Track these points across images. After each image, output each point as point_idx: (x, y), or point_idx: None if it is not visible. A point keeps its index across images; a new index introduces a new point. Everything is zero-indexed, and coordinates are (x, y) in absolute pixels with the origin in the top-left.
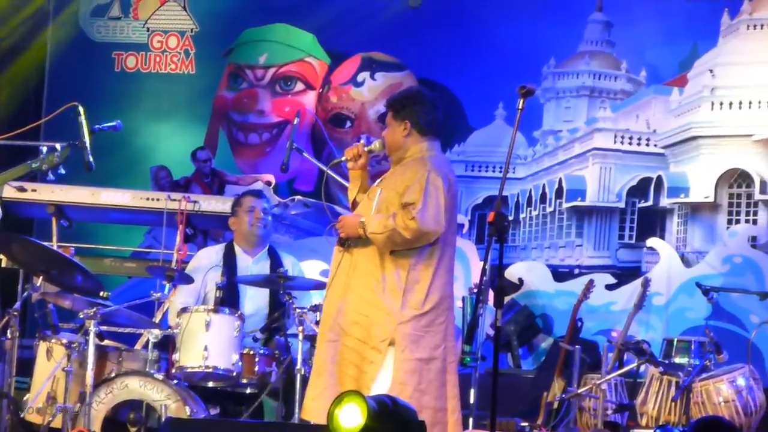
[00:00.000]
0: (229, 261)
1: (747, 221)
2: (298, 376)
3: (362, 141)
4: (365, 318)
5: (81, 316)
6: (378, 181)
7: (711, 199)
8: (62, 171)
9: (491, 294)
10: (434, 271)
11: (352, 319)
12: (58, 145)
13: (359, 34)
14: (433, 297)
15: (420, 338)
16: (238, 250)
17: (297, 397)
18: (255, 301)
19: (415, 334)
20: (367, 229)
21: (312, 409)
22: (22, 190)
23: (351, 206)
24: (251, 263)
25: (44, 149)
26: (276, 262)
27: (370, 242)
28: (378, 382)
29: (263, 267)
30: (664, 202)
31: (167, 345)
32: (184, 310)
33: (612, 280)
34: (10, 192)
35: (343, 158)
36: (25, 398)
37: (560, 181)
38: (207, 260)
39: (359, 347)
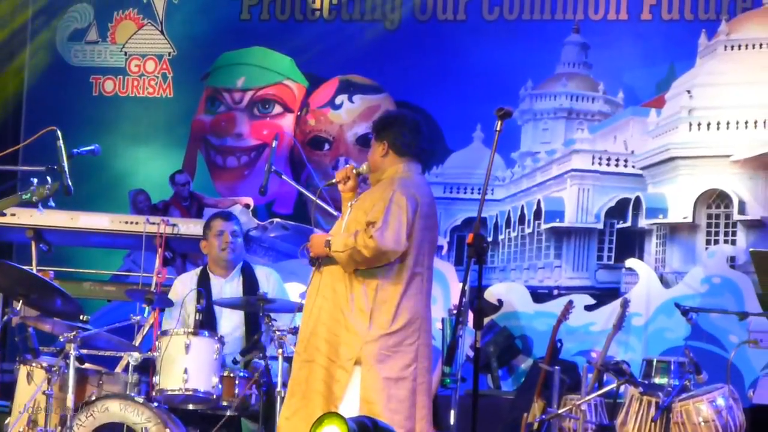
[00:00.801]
0: (204, 285)
1: (726, 242)
2: (278, 399)
3: (352, 164)
4: (335, 337)
5: (61, 340)
6: (353, 201)
7: (689, 219)
8: (52, 204)
9: (470, 315)
10: (403, 291)
11: (324, 337)
12: (48, 178)
13: (337, 57)
14: (402, 317)
15: (387, 358)
16: (211, 275)
17: (277, 419)
18: (231, 321)
19: (382, 354)
20: (331, 248)
21: (285, 428)
22: (1, 214)
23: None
24: (224, 284)
25: (35, 181)
26: (249, 278)
27: (331, 258)
28: (345, 401)
29: (237, 285)
30: (643, 222)
31: (147, 368)
32: (164, 333)
33: (591, 301)
34: None
35: (333, 180)
36: (6, 422)
37: (539, 202)
38: (183, 288)
39: (329, 366)
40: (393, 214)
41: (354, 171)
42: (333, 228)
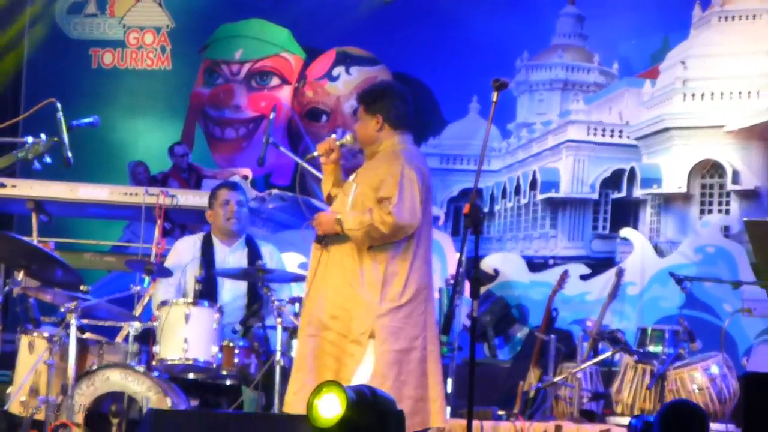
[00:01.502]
0: (207, 252)
1: (720, 211)
2: (278, 368)
3: (333, 135)
4: (345, 312)
5: (62, 310)
6: (353, 175)
7: (684, 189)
8: (48, 159)
9: (467, 285)
10: (411, 263)
11: (332, 313)
12: (43, 136)
13: (334, 29)
14: (410, 289)
15: (399, 330)
16: (215, 240)
17: (276, 387)
18: (232, 291)
19: (394, 326)
20: (344, 226)
21: (293, 403)
22: (1, 186)
23: (326, 200)
24: (228, 253)
25: (29, 139)
26: (254, 251)
27: (347, 238)
28: (358, 375)
29: (241, 257)
30: (638, 193)
31: (147, 338)
32: (164, 303)
33: (586, 271)
34: None
35: (315, 153)
36: (7, 391)
37: (534, 173)
38: (185, 252)
39: (339, 341)
40: (406, 189)
41: (337, 143)
42: (335, 203)
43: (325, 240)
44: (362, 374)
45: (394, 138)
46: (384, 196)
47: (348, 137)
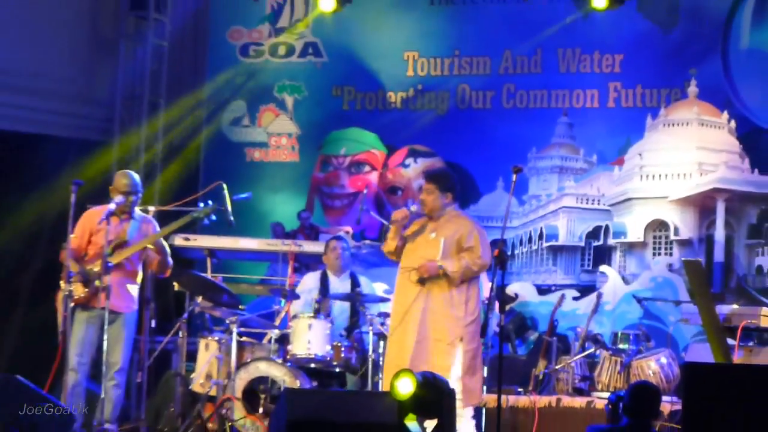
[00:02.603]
0: (324, 282)
1: (666, 254)
2: (370, 360)
3: (405, 207)
4: (443, 323)
5: (227, 322)
6: (430, 231)
7: (641, 239)
8: (214, 217)
9: (497, 304)
10: (477, 289)
11: (433, 326)
12: (210, 202)
13: (406, 133)
14: (477, 307)
15: (475, 334)
16: (329, 274)
17: (369, 373)
18: (340, 308)
19: (472, 331)
20: (448, 270)
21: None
22: (187, 239)
23: (394, 249)
24: (338, 282)
25: (201, 205)
26: (354, 281)
27: (442, 277)
28: (454, 366)
29: (346, 285)
30: (610, 242)
31: (284, 340)
32: (295, 316)
33: (576, 294)
34: (179, 241)
35: (393, 220)
36: (192, 376)
37: (541, 228)
38: (310, 282)
39: (437, 344)
40: (483, 239)
41: (409, 212)
42: (422, 251)
43: (423, 280)
44: (455, 367)
45: (453, 205)
46: (469, 246)
47: (413, 208)
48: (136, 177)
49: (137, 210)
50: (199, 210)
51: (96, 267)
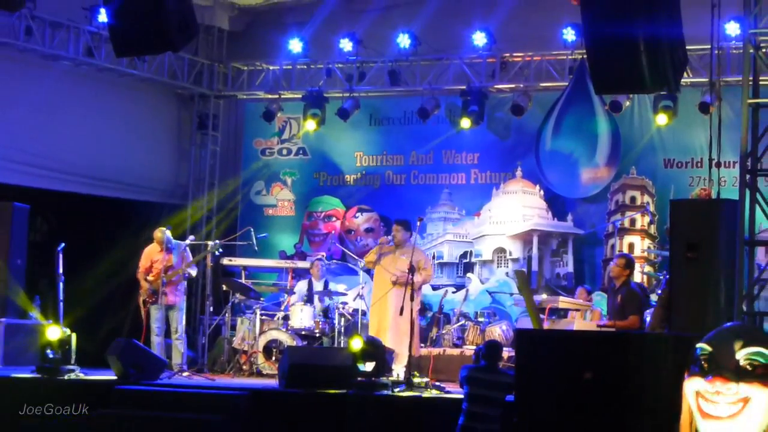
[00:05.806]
0: (309, 285)
1: (504, 266)
2: (336, 329)
3: (382, 239)
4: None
5: (253, 308)
6: (400, 254)
7: (491, 258)
8: (221, 250)
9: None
10: (419, 291)
11: (396, 313)
12: (217, 241)
13: (356, 199)
14: (419, 301)
15: (418, 310)
16: (313, 280)
17: (336, 336)
18: (319, 299)
19: (417, 311)
20: (415, 280)
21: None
22: (230, 260)
23: (373, 261)
24: (318, 285)
25: (218, 242)
26: (326, 284)
27: (404, 283)
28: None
29: (322, 286)
30: (473, 260)
31: (287, 318)
32: (293, 304)
33: (454, 290)
34: (225, 261)
35: (381, 242)
36: (233, 338)
37: (434, 253)
38: (302, 285)
39: (394, 321)
40: (430, 263)
41: (385, 245)
42: (390, 267)
43: (396, 283)
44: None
45: (411, 239)
46: (424, 267)
47: (386, 239)
48: (168, 233)
49: (175, 241)
50: (213, 246)
51: (158, 280)
